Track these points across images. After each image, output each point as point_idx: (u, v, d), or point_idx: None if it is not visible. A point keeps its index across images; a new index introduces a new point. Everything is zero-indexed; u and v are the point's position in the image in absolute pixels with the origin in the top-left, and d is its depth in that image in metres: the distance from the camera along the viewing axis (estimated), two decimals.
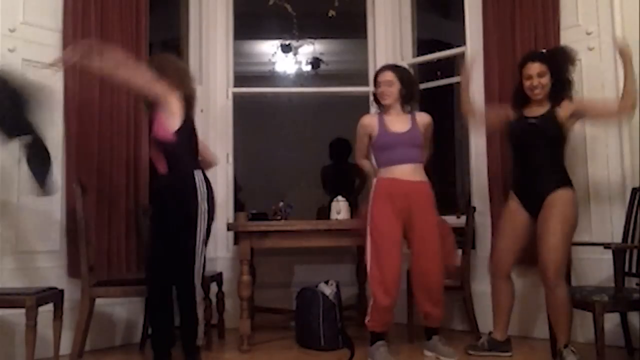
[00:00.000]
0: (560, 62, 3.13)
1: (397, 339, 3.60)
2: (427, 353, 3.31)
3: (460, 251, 3.73)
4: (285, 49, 6.50)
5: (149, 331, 3.31)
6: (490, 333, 3.31)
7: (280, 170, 6.94)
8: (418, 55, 4.69)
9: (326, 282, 3.73)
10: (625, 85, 3.00)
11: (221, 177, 4.43)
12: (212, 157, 3.69)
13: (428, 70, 4.89)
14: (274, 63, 6.76)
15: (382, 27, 4.67)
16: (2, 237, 3.30)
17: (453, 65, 4.96)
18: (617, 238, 3.31)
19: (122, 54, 3.03)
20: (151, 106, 3.14)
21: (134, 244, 3.71)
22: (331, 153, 5.67)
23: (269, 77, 6.81)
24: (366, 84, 4.69)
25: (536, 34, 3.70)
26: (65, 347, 3.27)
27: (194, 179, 3.02)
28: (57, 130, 3.55)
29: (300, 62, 6.73)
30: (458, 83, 4.59)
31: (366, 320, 3.22)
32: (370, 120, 3.38)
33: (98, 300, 3.39)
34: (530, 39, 3.71)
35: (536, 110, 3.16)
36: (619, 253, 2.90)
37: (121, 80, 3.04)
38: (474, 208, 3.91)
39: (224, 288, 3.90)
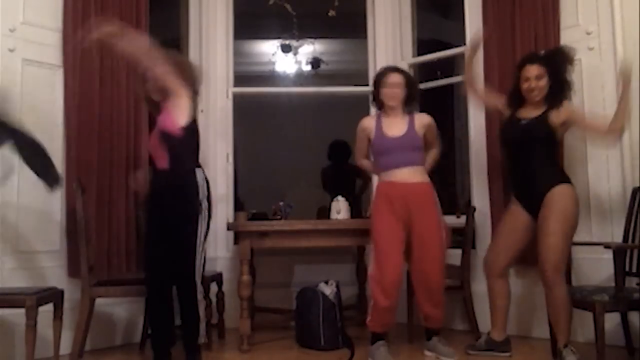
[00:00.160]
0: (558, 63, 3.13)
1: (397, 339, 3.60)
2: (427, 353, 3.31)
3: (460, 251, 3.76)
4: (285, 48, 6.51)
5: (149, 331, 3.32)
6: (488, 333, 3.31)
7: (280, 170, 6.94)
8: (418, 55, 4.69)
9: (326, 282, 3.73)
10: (617, 109, 3.02)
11: (221, 176, 4.44)
12: None
13: (428, 70, 4.89)
14: (274, 63, 6.77)
15: (382, 27, 4.67)
16: (2, 237, 3.30)
17: (453, 65, 4.97)
18: (617, 238, 3.31)
19: (146, 40, 3.08)
20: (152, 102, 3.18)
21: (134, 244, 3.71)
22: (330, 154, 5.67)
23: (269, 77, 6.81)
24: (366, 84, 4.69)
25: (536, 34, 3.70)
26: (65, 347, 3.27)
27: (196, 176, 3.05)
28: (57, 130, 3.56)
29: (300, 62, 6.74)
30: (458, 83, 4.62)
31: (367, 320, 3.23)
32: (368, 124, 3.39)
33: (98, 300, 3.39)
34: (530, 39, 3.71)
35: (531, 112, 3.17)
36: (619, 253, 2.90)
37: (141, 65, 3.04)
38: (474, 208, 3.91)
39: (224, 288, 3.90)
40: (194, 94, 3.16)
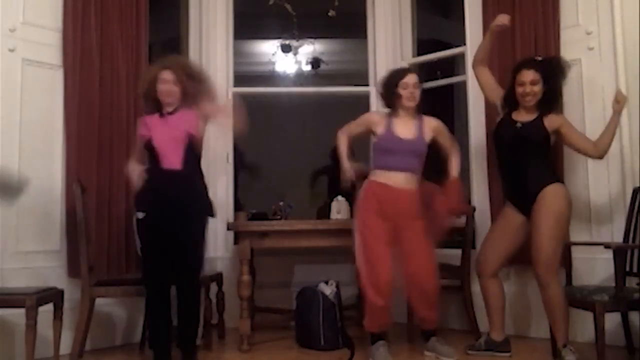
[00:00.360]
0: (554, 71, 3.15)
1: (397, 339, 3.60)
2: (427, 353, 3.31)
3: (460, 251, 3.76)
4: (285, 48, 6.50)
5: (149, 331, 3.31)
6: (488, 333, 3.31)
7: (280, 170, 6.93)
8: (418, 55, 4.69)
9: (326, 282, 3.73)
10: (604, 133, 3.10)
11: (221, 177, 4.44)
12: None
13: (428, 70, 4.88)
14: (274, 63, 6.76)
15: (382, 27, 4.67)
16: (2, 237, 3.30)
17: (453, 65, 4.96)
18: (618, 238, 3.31)
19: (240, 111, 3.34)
20: (152, 101, 3.23)
21: (134, 244, 3.71)
22: (333, 156, 5.64)
23: (269, 77, 6.80)
24: (366, 84, 4.69)
25: (536, 34, 3.70)
26: (65, 347, 3.28)
27: (204, 177, 3.22)
28: (57, 130, 3.56)
29: (300, 62, 6.72)
30: (458, 83, 4.62)
31: (364, 322, 3.21)
32: (378, 119, 3.37)
33: (98, 300, 3.39)
34: (530, 39, 3.71)
35: (524, 116, 3.19)
36: (619, 253, 2.90)
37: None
38: (474, 208, 3.91)
39: (224, 288, 3.90)
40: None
